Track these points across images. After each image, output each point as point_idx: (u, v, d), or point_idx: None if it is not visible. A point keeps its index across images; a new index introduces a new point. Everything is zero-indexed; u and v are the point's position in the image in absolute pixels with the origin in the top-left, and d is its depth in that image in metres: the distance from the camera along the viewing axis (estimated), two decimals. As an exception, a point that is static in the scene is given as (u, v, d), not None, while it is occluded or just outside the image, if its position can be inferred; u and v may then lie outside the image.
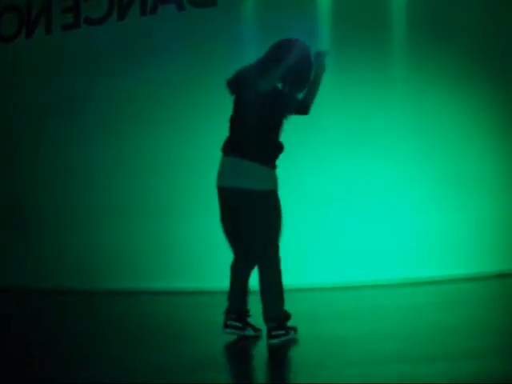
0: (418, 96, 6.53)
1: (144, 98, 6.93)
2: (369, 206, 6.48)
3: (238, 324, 4.20)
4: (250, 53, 6.71)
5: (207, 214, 6.30)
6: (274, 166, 4.12)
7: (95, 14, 7.19)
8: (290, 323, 4.11)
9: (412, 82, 6.57)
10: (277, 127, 4.17)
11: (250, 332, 4.22)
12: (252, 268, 4.21)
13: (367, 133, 6.43)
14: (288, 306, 4.11)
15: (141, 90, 6.91)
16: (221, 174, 4.15)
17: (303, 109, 4.34)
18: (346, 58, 6.43)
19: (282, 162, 4.20)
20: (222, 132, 6.37)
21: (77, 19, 7.25)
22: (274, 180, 4.11)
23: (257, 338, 4.20)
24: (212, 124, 6.60)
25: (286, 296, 4.12)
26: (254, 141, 4.11)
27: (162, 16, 7.05)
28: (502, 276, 6.29)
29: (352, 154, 6.46)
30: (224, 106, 6.57)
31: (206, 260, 6.55)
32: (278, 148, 4.16)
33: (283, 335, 4.04)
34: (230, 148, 4.18)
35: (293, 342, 4.04)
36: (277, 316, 4.07)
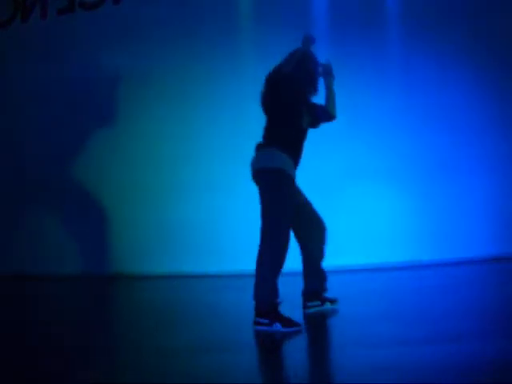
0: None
1: (141, 81, 6.92)
2: (371, 191, 6.52)
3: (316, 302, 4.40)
4: (247, 34, 6.74)
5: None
6: (278, 147, 4.12)
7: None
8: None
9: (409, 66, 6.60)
10: (283, 117, 4.24)
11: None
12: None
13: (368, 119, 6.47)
14: (292, 288, 4.13)
15: (136, 73, 6.91)
16: None
17: (328, 116, 4.48)
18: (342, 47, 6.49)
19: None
20: (225, 116, 6.43)
21: (71, 3, 7.23)
22: (274, 159, 4.11)
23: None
24: (214, 105, 6.66)
25: (288, 279, 4.09)
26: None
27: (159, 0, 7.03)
28: (497, 260, 6.33)
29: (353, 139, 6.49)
30: (221, 87, 6.66)
31: (207, 244, 6.63)
32: (284, 132, 4.20)
33: (266, 324, 3.89)
34: None
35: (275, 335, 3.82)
36: (257, 304, 3.96)
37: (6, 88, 7.40)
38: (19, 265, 7.17)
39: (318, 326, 4.16)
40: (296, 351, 3.56)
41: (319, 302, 4.42)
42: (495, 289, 5.11)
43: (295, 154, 4.19)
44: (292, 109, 4.22)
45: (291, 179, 4.10)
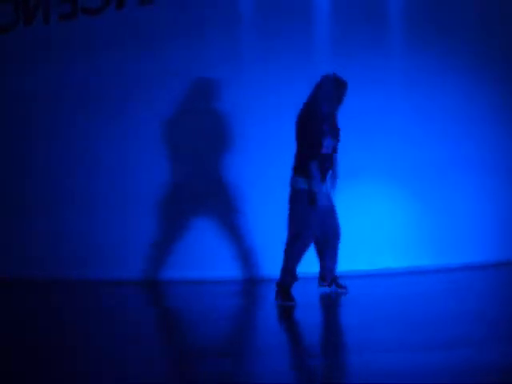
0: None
1: (143, 86, 6.92)
2: (373, 194, 6.49)
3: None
4: (249, 40, 6.75)
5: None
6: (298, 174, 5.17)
7: (93, 4, 7.16)
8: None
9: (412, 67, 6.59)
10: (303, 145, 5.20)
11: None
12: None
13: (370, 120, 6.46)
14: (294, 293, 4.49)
15: (138, 78, 6.91)
16: None
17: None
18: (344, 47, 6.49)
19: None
20: (222, 118, 6.42)
21: (74, 9, 7.23)
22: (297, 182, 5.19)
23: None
24: (211, 113, 6.65)
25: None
26: None
27: (161, 4, 7.03)
28: (500, 265, 6.32)
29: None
30: (222, 93, 6.67)
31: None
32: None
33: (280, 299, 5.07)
34: None
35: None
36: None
37: (7, 89, 7.39)
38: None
39: (320, 332, 4.16)
40: (298, 356, 3.56)
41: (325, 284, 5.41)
42: (495, 294, 5.11)
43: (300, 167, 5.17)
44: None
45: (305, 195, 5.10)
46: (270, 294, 5.18)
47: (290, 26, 6.61)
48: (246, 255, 6.53)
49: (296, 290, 4.95)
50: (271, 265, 6.12)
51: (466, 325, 3.91)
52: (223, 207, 6.67)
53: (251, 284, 6.26)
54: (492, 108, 6.58)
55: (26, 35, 7.30)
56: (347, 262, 6.13)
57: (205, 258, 6.62)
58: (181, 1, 6.97)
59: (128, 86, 6.89)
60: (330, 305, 5.04)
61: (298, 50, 6.56)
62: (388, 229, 6.49)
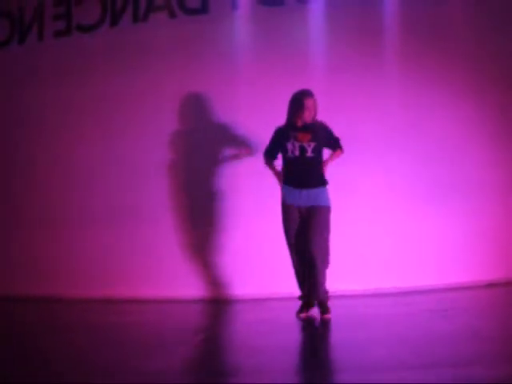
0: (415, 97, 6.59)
1: (136, 105, 6.94)
2: (361, 213, 6.47)
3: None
4: (241, 60, 6.78)
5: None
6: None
7: (87, 21, 7.20)
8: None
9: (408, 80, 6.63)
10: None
11: None
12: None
13: (357, 137, 6.44)
14: (283, 314, 4.28)
15: (132, 96, 6.93)
16: None
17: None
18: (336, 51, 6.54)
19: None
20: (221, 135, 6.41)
21: (69, 26, 7.26)
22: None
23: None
24: (205, 127, 6.68)
25: (277, 305, 4.57)
26: None
27: (154, 23, 7.06)
28: (491, 286, 6.34)
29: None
30: (213, 108, 6.70)
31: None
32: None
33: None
34: None
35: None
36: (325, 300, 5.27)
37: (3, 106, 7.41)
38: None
39: (315, 350, 4.14)
40: (292, 374, 3.54)
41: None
42: (491, 314, 5.12)
43: (291, 178, 5.30)
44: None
45: (285, 206, 5.30)
46: (242, 314, 5.15)
47: (287, 54, 6.66)
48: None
49: (286, 309, 4.87)
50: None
51: (463, 344, 3.90)
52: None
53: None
54: (489, 124, 6.63)
55: (20, 51, 7.34)
56: (341, 282, 6.14)
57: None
58: (175, 19, 7.01)
59: (123, 101, 6.93)
60: (321, 324, 5.02)
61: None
62: (375, 248, 6.46)
